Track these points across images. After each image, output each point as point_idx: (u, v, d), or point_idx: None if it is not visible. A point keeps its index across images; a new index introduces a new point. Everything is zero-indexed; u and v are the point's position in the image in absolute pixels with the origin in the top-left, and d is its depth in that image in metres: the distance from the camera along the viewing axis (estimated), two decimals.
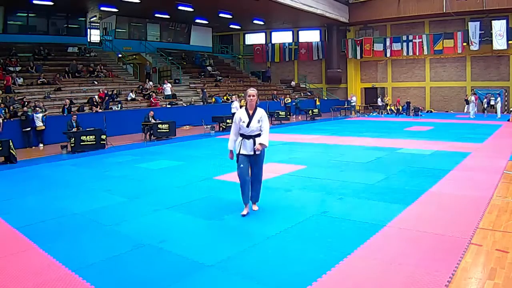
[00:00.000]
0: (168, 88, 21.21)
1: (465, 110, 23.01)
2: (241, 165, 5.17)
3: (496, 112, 21.41)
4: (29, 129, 13.48)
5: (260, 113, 5.19)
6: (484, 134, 13.56)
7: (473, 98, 21.76)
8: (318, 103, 26.16)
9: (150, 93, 19.81)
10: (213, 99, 21.98)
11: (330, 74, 28.82)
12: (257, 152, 5.09)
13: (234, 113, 15.68)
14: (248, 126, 5.09)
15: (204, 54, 28.28)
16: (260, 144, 5.07)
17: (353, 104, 26.08)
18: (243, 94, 23.48)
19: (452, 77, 25.72)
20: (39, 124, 13.62)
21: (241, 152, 5.13)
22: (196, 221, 5.22)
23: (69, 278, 3.59)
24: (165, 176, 8.21)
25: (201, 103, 21.80)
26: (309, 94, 29.02)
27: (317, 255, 4.00)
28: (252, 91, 5.17)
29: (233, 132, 5.24)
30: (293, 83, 29.88)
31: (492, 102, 22.63)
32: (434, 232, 4.46)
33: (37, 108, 13.93)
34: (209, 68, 26.30)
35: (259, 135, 5.13)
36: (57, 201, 6.40)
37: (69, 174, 8.93)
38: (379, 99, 26.13)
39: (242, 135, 5.15)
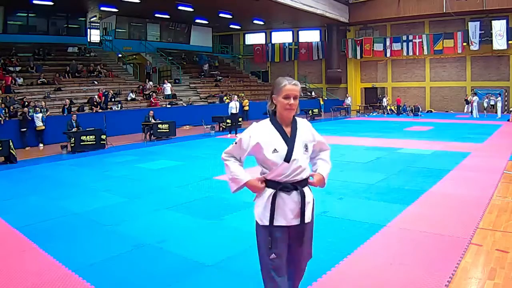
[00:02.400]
0: (168, 88, 21.23)
1: (465, 110, 23.01)
2: (273, 254, 2.39)
3: (496, 112, 21.42)
4: (25, 129, 13.43)
5: (306, 128, 2.52)
6: (484, 134, 13.56)
7: (475, 98, 21.77)
8: (322, 103, 26.11)
9: (150, 93, 19.82)
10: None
11: (330, 74, 28.81)
12: (307, 218, 2.47)
13: (232, 114, 15.55)
14: (289, 159, 2.37)
15: (204, 54, 28.31)
16: (318, 177, 2.54)
17: (348, 104, 25.83)
18: (243, 94, 23.50)
19: (452, 77, 25.71)
20: (39, 124, 13.62)
21: (275, 223, 2.40)
22: (196, 221, 5.22)
23: (69, 278, 3.59)
24: (165, 176, 8.21)
25: (201, 103, 21.87)
26: (309, 94, 29.01)
27: (317, 255, 3.99)
28: (293, 85, 2.41)
29: (229, 156, 2.51)
30: (313, 93, 28.37)
31: (492, 102, 22.64)
32: (434, 232, 4.46)
33: (37, 108, 13.94)
34: (205, 67, 26.14)
35: (306, 181, 2.49)
36: (57, 201, 6.40)
37: (69, 174, 8.93)
38: (384, 99, 26.11)
39: (271, 183, 2.41)
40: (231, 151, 2.51)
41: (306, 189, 2.48)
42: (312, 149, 2.54)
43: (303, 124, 2.54)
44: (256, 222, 2.49)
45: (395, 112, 25.07)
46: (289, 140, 2.41)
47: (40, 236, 4.71)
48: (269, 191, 2.42)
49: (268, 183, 2.43)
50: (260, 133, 2.42)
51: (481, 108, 22.26)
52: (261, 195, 2.44)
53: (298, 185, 2.43)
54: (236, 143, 2.49)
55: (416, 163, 8.71)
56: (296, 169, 2.40)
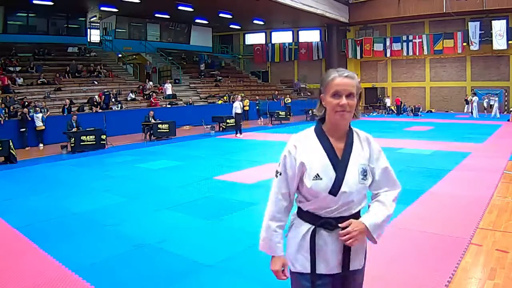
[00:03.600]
0: (169, 88, 21.34)
1: (465, 110, 23.02)
2: None
3: (494, 112, 21.40)
4: (24, 129, 13.40)
5: (366, 145, 1.83)
6: (484, 134, 13.56)
7: (474, 98, 21.87)
8: None
9: (150, 93, 19.85)
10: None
11: None
12: (354, 265, 1.84)
13: (237, 114, 15.54)
14: (336, 192, 1.69)
15: (204, 54, 28.30)
16: (357, 225, 1.73)
17: (388, 106, 25.31)
18: (243, 94, 23.46)
19: (452, 77, 25.71)
20: (39, 124, 13.62)
21: (317, 271, 1.76)
22: (196, 221, 5.21)
23: (69, 278, 3.59)
24: (165, 176, 8.21)
25: (201, 103, 21.93)
26: (309, 94, 29.01)
27: None
28: (345, 77, 1.70)
29: (274, 203, 1.81)
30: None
31: (492, 102, 22.64)
32: (434, 232, 4.46)
33: (37, 108, 13.95)
34: (202, 67, 26.03)
35: (358, 215, 1.79)
36: (57, 201, 6.40)
37: (69, 174, 8.93)
38: (387, 99, 26.10)
39: (308, 216, 1.77)
40: (277, 186, 1.79)
41: (366, 216, 1.78)
42: (372, 175, 1.78)
43: (362, 138, 1.80)
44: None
45: (395, 112, 25.04)
46: (340, 164, 1.70)
47: (40, 236, 4.70)
48: (305, 227, 1.76)
49: (304, 215, 1.78)
50: (304, 148, 1.74)
51: (481, 108, 22.25)
52: (295, 230, 1.81)
53: (343, 221, 1.73)
54: (280, 173, 1.78)
55: (416, 163, 8.71)
56: (346, 204, 1.72)
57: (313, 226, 1.75)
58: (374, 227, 1.74)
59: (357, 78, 1.74)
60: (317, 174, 1.69)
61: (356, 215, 1.77)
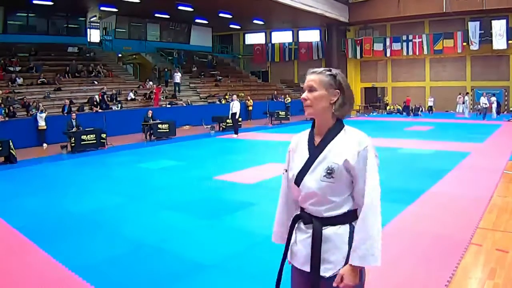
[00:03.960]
0: (178, 77, 21.69)
1: (457, 110, 23.03)
2: None
3: (494, 112, 21.40)
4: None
5: (348, 145, 1.72)
6: (484, 134, 13.56)
7: (466, 98, 22.11)
8: None
9: (150, 94, 19.89)
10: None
11: None
12: (324, 270, 1.70)
13: (233, 114, 15.52)
14: (298, 182, 1.77)
15: (201, 54, 28.29)
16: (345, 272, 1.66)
17: (430, 106, 25.02)
18: (243, 94, 23.51)
19: (452, 77, 25.70)
20: (42, 123, 13.63)
21: (289, 258, 1.88)
22: (196, 221, 5.22)
23: (69, 278, 3.59)
24: (165, 176, 8.21)
25: (201, 103, 21.97)
26: None
27: None
28: (310, 74, 1.80)
29: (281, 198, 1.99)
30: None
31: (489, 102, 22.62)
32: (434, 232, 4.46)
33: (41, 107, 13.98)
34: (193, 69, 25.93)
35: (336, 220, 1.72)
36: (57, 201, 6.40)
37: (69, 174, 8.93)
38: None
39: (299, 207, 1.89)
40: (283, 182, 1.95)
41: (330, 230, 1.71)
42: (345, 177, 1.69)
43: (348, 137, 1.74)
44: None
45: (401, 112, 24.82)
46: (310, 157, 1.76)
47: (40, 236, 4.70)
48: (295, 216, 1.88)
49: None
50: (296, 145, 1.87)
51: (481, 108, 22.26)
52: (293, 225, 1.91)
53: (316, 220, 1.73)
54: (285, 170, 1.93)
55: (416, 163, 8.71)
56: (308, 197, 1.74)
57: (296, 218, 1.86)
58: (370, 251, 1.63)
59: (326, 72, 1.77)
60: (294, 166, 1.82)
61: (331, 221, 1.71)
